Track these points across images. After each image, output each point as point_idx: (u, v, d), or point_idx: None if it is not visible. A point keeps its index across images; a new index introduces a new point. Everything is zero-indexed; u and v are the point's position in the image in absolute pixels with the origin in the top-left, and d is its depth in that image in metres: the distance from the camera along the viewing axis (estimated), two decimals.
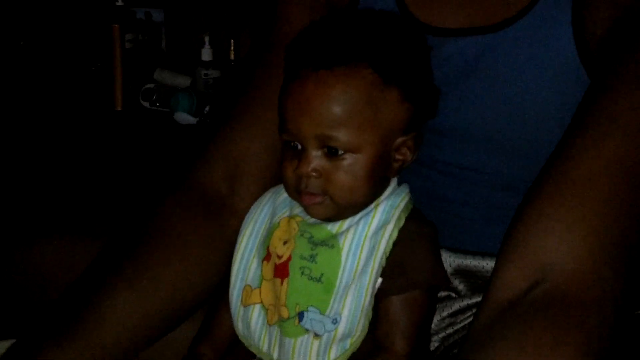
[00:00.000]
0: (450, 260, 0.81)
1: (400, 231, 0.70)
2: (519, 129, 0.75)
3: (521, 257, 0.61)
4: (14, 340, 0.76)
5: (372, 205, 0.72)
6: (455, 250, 0.80)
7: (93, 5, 1.68)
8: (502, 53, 0.74)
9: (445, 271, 0.73)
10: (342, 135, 0.68)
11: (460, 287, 0.81)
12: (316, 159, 0.69)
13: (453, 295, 0.82)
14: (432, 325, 0.80)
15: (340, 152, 0.69)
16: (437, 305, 0.81)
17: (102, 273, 0.74)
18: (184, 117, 1.59)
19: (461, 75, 0.76)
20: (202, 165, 0.81)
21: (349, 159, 0.69)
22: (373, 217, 0.71)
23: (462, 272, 0.80)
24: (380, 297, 0.70)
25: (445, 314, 0.82)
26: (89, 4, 1.68)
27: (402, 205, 0.72)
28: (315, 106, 0.68)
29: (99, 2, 1.66)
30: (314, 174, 0.69)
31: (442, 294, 0.82)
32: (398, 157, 0.72)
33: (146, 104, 1.67)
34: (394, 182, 0.74)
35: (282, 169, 0.72)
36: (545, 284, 0.58)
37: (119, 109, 1.66)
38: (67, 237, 0.86)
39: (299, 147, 0.70)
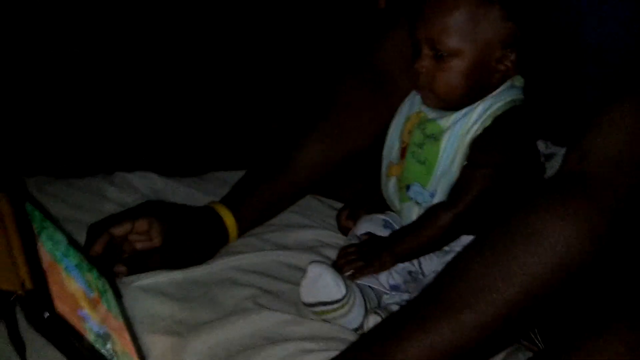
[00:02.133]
0: None
1: (487, 128, 0.87)
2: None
3: (575, 144, 0.76)
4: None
5: (474, 106, 0.89)
6: None
7: None
8: None
9: (530, 157, 0.89)
10: (445, 40, 0.86)
11: None
12: (427, 59, 0.88)
13: None
14: None
15: (444, 55, 0.87)
16: None
17: (297, 133, 1.03)
18: None
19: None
20: (379, 50, 1.04)
21: (450, 62, 0.86)
22: (470, 118, 0.89)
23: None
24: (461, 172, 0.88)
25: None
26: None
27: (496, 107, 0.88)
28: (429, 16, 0.87)
29: None
30: (422, 70, 0.88)
31: None
32: (500, 67, 0.88)
33: None
34: (505, 85, 0.89)
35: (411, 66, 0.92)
36: (581, 164, 0.73)
37: (383, 6, 1.91)
38: None
39: (418, 48, 0.89)
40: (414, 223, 0.90)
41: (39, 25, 1.69)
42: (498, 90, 0.89)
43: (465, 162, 0.88)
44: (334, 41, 1.83)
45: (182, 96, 1.72)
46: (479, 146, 0.87)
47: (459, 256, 0.74)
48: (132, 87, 1.72)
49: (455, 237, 0.88)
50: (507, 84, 0.90)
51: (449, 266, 0.74)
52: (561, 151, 0.95)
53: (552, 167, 0.93)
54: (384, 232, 0.95)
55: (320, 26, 1.97)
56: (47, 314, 0.53)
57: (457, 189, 0.88)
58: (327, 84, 1.06)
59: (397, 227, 0.97)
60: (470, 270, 0.71)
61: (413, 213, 0.92)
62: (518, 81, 0.91)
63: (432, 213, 0.88)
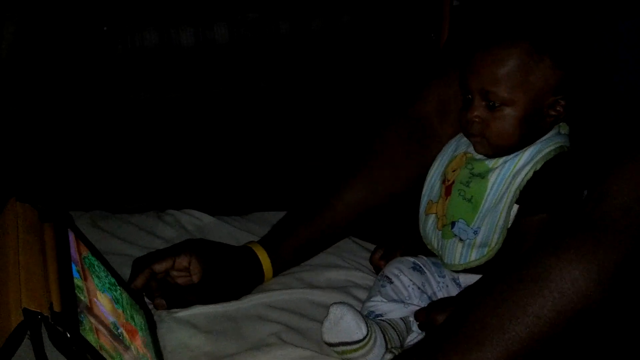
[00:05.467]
0: None
1: (537, 172, 0.90)
2: None
3: (595, 187, 0.77)
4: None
5: (524, 150, 0.92)
6: None
7: None
8: None
9: (572, 200, 0.89)
10: (498, 91, 0.89)
11: None
12: (479, 108, 0.91)
13: None
14: None
15: (497, 104, 0.90)
16: None
17: (337, 177, 1.07)
18: None
19: (631, 49, 0.90)
20: (419, 100, 1.08)
21: (503, 111, 0.90)
22: (519, 159, 0.92)
23: None
24: (516, 220, 0.91)
25: None
26: None
27: (546, 151, 0.90)
28: (481, 68, 0.91)
29: None
30: (476, 119, 0.92)
31: None
32: (552, 113, 0.91)
33: None
34: (553, 131, 0.92)
35: (459, 114, 0.96)
36: (597, 208, 0.75)
37: None
38: None
39: (470, 98, 0.93)
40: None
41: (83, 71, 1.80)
42: (547, 136, 0.92)
43: (518, 208, 0.90)
44: (379, 86, 1.88)
45: (233, 140, 1.81)
46: (533, 191, 0.89)
47: (470, 295, 0.76)
48: (187, 130, 1.82)
49: None
50: (555, 130, 0.93)
51: (459, 305, 0.76)
52: None
53: None
54: (412, 274, 0.97)
55: (369, 72, 2.03)
56: (69, 335, 0.58)
57: (518, 240, 0.89)
58: (371, 130, 1.10)
59: (425, 270, 0.99)
60: (479, 310, 0.73)
61: (456, 250, 0.94)
62: (564, 128, 0.94)
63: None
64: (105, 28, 1.98)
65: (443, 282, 0.98)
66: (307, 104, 1.97)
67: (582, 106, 0.92)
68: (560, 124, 0.94)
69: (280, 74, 2.08)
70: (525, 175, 0.90)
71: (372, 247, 1.12)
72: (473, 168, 0.95)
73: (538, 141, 0.92)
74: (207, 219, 1.15)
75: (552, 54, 0.89)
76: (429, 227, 1.00)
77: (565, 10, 0.92)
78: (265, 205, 1.24)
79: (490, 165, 0.94)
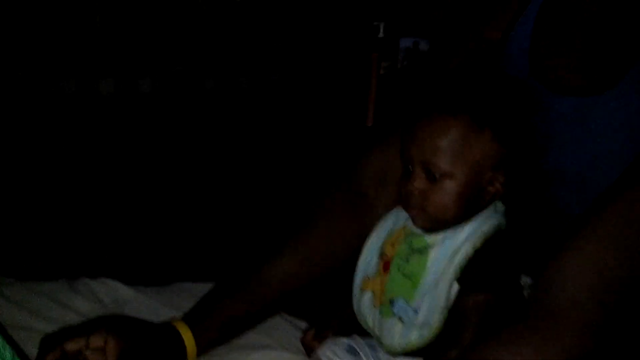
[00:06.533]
0: None
1: (477, 250, 0.87)
2: (608, 176, 0.87)
3: (545, 274, 0.76)
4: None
5: (462, 225, 0.89)
6: None
7: (358, 35, 2.00)
8: (600, 113, 0.88)
9: (513, 281, 0.88)
10: (439, 163, 0.87)
11: None
12: (419, 180, 0.88)
13: None
14: None
15: (437, 177, 0.87)
16: None
17: (271, 248, 1.02)
18: None
19: (565, 125, 0.91)
20: (357, 170, 1.05)
21: (443, 184, 0.87)
22: (458, 236, 0.89)
23: None
24: (456, 300, 0.88)
25: None
26: (353, 35, 2.01)
27: (485, 228, 0.88)
28: (423, 139, 0.88)
29: (364, 34, 1.98)
30: (415, 191, 0.89)
31: None
32: (490, 189, 0.89)
33: None
34: (490, 209, 0.90)
35: (398, 185, 0.93)
36: (541, 302, 0.73)
37: (369, 125, 1.97)
38: None
39: (410, 169, 0.90)
40: None
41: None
42: (485, 213, 0.90)
43: (458, 287, 0.87)
44: (317, 157, 1.86)
45: (150, 203, 1.72)
46: (474, 269, 0.87)
47: None
48: (103, 186, 1.72)
49: None
50: (492, 207, 0.91)
51: None
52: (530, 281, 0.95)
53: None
54: (347, 357, 0.92)
55: (297, 131, 2.00)
56: None
57: (459, 323, 0.86)
58: (304, 201, 1.06)
59: (361, 353, 0.94)
60: None
61: (395, 330, 0.90)
62: (499, 206, 0.92)
63: (442, 355, 0.87)
64: (19, 74, 1.89)
65: None
66: (234, 162, 1.91)
67: (518, 184, 0.91)
68: (496, 201, 0.92)
69: (205, 130, 2.02)
70: (466, 253, 0.88)
71: (303, 325, 1.06)
72: (412, 243, 0.92)
73: (476, 217, 0.90)
74: (124, 290, 1.07)
75: (493, 128, 0.87)
76: (365, 304, 0.95)
77: (505, 86, 0.91)
78: (187, 275, 1.16)
79: (429, 241, 0.91)
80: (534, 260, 0.91)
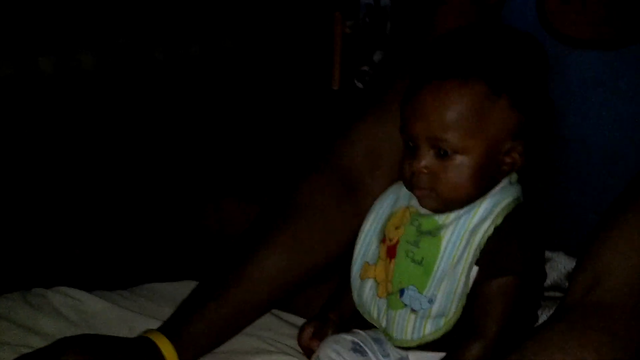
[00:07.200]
0: (563, 263, 0.85)
1: (498, 227, 0.77)
2: (633, 143, 0.77)
3: (584, 266, 0.65)
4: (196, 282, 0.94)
5: (478, 202, 0.79)
6: (569, 253, 0.84)
7: None
8: (625, 69, 0.77)
9: (540, 262, 0.78)
10: (450, 138, 0.76)
11: None
12: (427, 157, 0.77)
13: None
14: (541, 321, 0.85)
15: (449, 153, 0.77)
16: (547, 304, 0.85)
17: (253, 241, 0.89)
18: None
19: (585, 86, 0.80)
20: (345, 147, 0.93)
21: (456, 160, 0.77)
22: (475, 213, 0.78)
23: None
24: (476, 285, 0.77)
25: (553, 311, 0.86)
26: None
27: (504, 203, 0.78)
28: (429, 111, 0.77)
29: None
30: (424, 170, 0.78)
31: (552, 294, 0.86)
32: (507, 160, 0.78)
33: (360, 85, 1.83)
34: (505, 181, 0.80)
35: (400, 165, 0.81)
36: (593, 292, 0.62)
37: (336, 88, 1.84)
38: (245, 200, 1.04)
39: (415, 146, 0.79)
40: None
41: None
42: (500, 186, 0.80)
43: (478, 270, 0.76)
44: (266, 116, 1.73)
45: (99, 191, 1.56)
46: (495, 250, 0.76)
47: None
48: (42, 183, 1.56)
49: None
50: (506, 180, 0.80)
51: None
52: (556, 256, 0.85)
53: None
54: (353, 357, 0.82)
55: (253, 100, 1.87)
56: None
57: (481, 311, 0.76)
58: (287, 184, 0.93)
59: (367, 350, 0.83)
60: None
61: (408, 323, 0.80)
62: (514, 177, 0.82)
63: (461, 348, 0.76)
64: None
65: None
66: (193, 139, 1.77)
67: (537, 153, 0.80)
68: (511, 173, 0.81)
69: (157, 106, 1.87)
70: (486, 232, 0.77)
71: (297, 320, 0.94)
72: (420, 225, 0.81)
73: (491, 193, 0.79)
74: (88, 299, 0.93)
75: (510, 93, 0.76)
76: (367, 294, 0.85)
77: (517, 44, 0.79)
78: (157, 275, 1.03)
79: (441, 222, 0.80)
80: (558, 236, 0.81)
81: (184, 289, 0.92)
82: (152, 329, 0.83)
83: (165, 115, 1.82)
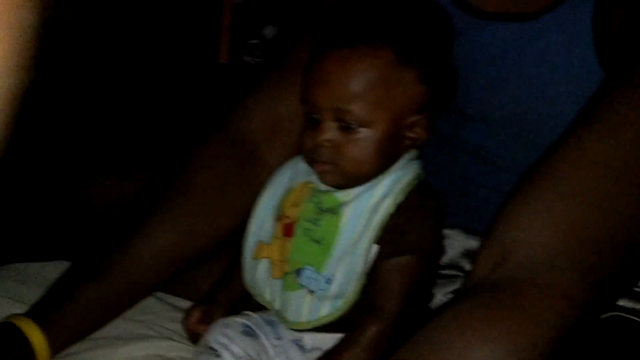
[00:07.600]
0: (460, 241, 0.83)
1: (400, 204, 0.74)
2: (538, 118, 0.76)
3: (490, 243, 0.63)
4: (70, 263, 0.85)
5: (379, 179, 0.75)
6: (467, 231, 0.82)
7: None
8: (530, 43, 0.75)
9: (441, 240, 0.76)
10: (355, 110, 0.72)
11: (467, 267, 0.83)
12: (330, 130, 0.73)
13: (461, 274, 0.84)
14: (437, 300, 0.83)
15: (353, 126, 0.72)
16: (443, 282, 0.84)
17: (139, 217, 0.82)
18: None
19: (490, 59, 0.78)
20: (240, 117, 0.87)
21: (360, 134, 0.73)
22: (376, 190, 0.75)
23: (471, 254, 0.82)
24: (375, 264, 0.74)
25: (449, 289, 0.84)
26: None
27: (405, 180, 0.75)
28: (332, 81, 0.72)
29: None
30: (326, 144, 0.74)
31: (449, 272, 0.84)
32: (410, 134, 0.75)
33: (249, 59, 1.76)
34: (405, 157, 0.77)
35: (301, 137, 0.76)
36: (501, 268, 0.60)
37: (223, 61, 1.76)
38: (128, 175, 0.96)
39: (317, 118, 0.74)
40: (342, 343, 0.74)
41: None
42: (401, 162, 0.77)
43: (378, 248, 0.73)
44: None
45: None
46: (396, 228, 0.73)
47: None
48: None
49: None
50: (407, 156, 0.77)
51: None
52: (454, 233, 0.83)
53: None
54: (245, 341, 0.78)
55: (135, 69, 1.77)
56: None
57: (380, 291, 0.73)
58: (174, 159, 0.86)
59: (259, 332, 0.79)
60: None
61: (303, 305, 0.75)
62: (413, 153, 0.79)
63: (359, 328, 0.73)
64: None
65: (281, 346, 0.79)
66: (64, 110, 1.64)
67: (436, 128, 0.77)
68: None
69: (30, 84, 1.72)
70: (387, 210, 0.74)
71: (182, 303, 0.88)
72: (321, 202, 0.77)
73: (392, 169, 0.76)
74: None
75: (418, 64, 0.73)
76: (260, 275, 0.80)
77: (423, 11, 0.76)
78: (23, 254, 0.93)
79: (342, 199, 0.76)
80: (457, 214, 0.79)
81: (56, 269, 0.85)
82: (18, 314, 0.76)
83: (41, 89, 1.67)
